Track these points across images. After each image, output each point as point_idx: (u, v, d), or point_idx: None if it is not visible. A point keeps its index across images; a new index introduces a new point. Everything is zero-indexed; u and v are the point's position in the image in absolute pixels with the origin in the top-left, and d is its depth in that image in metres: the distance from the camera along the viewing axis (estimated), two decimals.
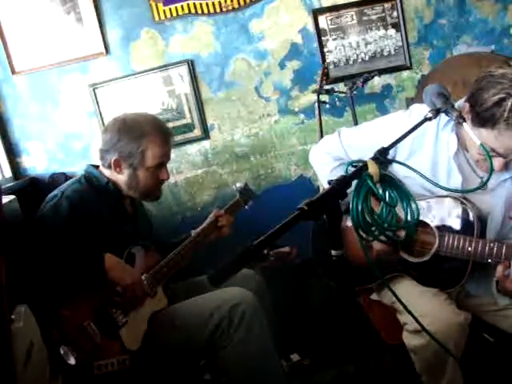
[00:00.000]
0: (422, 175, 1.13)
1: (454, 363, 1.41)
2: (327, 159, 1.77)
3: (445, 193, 1.45)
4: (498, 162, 1.33)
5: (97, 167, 1.82)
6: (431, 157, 1.52)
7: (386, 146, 1.10)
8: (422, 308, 1.44)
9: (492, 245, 1.39)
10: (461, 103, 1.41)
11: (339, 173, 1.07)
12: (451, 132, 1.49)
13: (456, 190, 1.47)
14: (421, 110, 1.54)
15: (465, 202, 1.47)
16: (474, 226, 1.44)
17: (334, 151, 1.75)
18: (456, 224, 1.49)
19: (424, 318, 1.40)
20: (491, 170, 1.17)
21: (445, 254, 1.47)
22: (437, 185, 1.20)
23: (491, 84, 1.27)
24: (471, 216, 1.46)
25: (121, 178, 1.77)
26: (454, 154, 1.48)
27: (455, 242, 1.45)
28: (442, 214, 1.51)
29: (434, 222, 1.52)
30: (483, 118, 1.28)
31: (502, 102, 1.24)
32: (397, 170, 1.58)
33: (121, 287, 1.60)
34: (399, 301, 1.11)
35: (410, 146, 1.53)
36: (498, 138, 1.28)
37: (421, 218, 1.41)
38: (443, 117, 1.39)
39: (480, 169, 1.47)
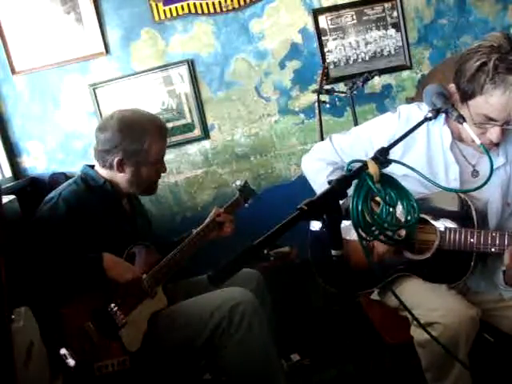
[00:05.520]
0: (422, 175, 1.12)
1: (464, 358, 1.40)
2: (321, 165, 1.75)
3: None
4: (497, 132, 1.36)
5: (92, 167, 1.82)
6: (425, 152, 1.55)
7: (386, 146, 1.10)
8: (433, 302, 1.46)
9: (494, 234, 1.40)
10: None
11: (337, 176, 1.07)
12: (443, 125, 1.53)
13: (456, 190, 1.49)
14: (409, 110, 1.59)
15: (462, 195, 1.48)
16: (474, 217, 1.46)
17: (328, 157, 1.75)
18: (456, 217, 1.49)
19: (435, 311, 1.41)
20: (491, 170, 1.17)
21: (448, 248, 1.48)
22: (438, 185, 1.20)
23: (470, 56, 1.34)
24: (470, 208, 1.47)
25: (122, 176, 1.76)
26: (449, 145, 1.52)
27: (457, 236, 1.45)
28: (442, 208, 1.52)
29: (433, 218, 1.53)
30: (470, 87, 1.34)
31: (483, 66, 1.30)
32: (393, 169, 1.59)
33: (121, 286, 1.60)
34: (400, 301, 1.11)
35: (403, 145, 1.53)
36: (489, 100, 1.31)
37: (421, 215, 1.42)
38: None
39: (478, 149, 1.48)
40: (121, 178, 1.76)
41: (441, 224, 1.50)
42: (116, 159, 1.72)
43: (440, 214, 1.51)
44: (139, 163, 1.74)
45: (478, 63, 1.31)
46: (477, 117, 1.35)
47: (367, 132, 1.66)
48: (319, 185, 1.74)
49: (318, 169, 1.76)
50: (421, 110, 1.57)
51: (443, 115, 1.49)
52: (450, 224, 1.49)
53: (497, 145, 1.42)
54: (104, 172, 1.78)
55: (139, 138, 1.71)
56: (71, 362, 1.45)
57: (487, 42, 1.32)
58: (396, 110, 1.63)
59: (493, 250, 1.40)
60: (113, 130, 1.71)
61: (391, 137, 1.52)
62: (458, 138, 1.53)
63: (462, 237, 1.44)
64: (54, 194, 1.71)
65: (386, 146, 1.07)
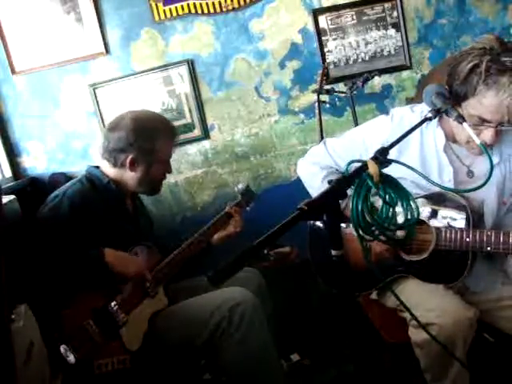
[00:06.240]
0: (422, 175, 1.13)
1: (462, 358, 1.41)
2: (316, 169, 1.76)
3: (438, 189, 1.46)
4: (491, 133, 1.36)
5: (97, 168, 1.82)
6: (419, 154, 1.55)
7: (386, 146, 1.11)
8: (429, 303, 1.46)
9: (489, 233, 1.41)
10: None
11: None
12: (436, 127, 1.53)
13: (455, 190, 1.50)
14: (402, 113, 1.60)
15: (457, 195, 1.49)
16: (469, 217, 1.46)
17: (322, 161, 1.76)
18: (451, 217, 1.50)
19: (431, 312, 1.42)
20: (491, 169, 1.17)
21: (444, 249, 1.48)
22: (437, 185, 1.20)
23: (462, 58, 1.35)
24: (466, 207, 1.47)
25: (132, 175, 1.78)
26: (443, 147, 1.52)
27: (452, 235, 1.46)
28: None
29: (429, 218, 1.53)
30: (463, 90, 1.35)
31: (475, 67, 1.31)
32: (389, 172, 1.59)
33: (125, 284, 1.61)
34: (400, 301, 1.12)
35: (397, 147, 1.54)
36: (483, 101, 1.32)
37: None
38: (425, 113, 1.45)
39: (471, 151, 1.49)
40: (130, 176, 1.78)
41: (450, 213, 1.50)
42: (129, 158, 1.74)
43: (451, 206, 1.51)
44: (151, 162, 1.77)
45: (470, 65, 1.32)
46: (470, 118, 1.35)
47: (360, 135, 1.67)
48: (315, 188, 1.75)
49: (313, 172, 1.77)
50: (413, 112, 1.58)
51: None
52: (462, 215, 1.49)
53: (490, 145, 1.43)
54: (111, 171, 1.79)
55: (152, 138, 1.75)
56: (71, 359, 1.45)
57: (479, 44, 1.33)
58: (389, 113, 1.64)
59: (488, 248, 1.41)
60: (127, 129, 1.74)
61: (384, 140, 1.53)
62: (451, 139, 1.53)
63: (458, 236, 1.45)
64: (59, 192, 1.72)
65: (386, 146, 1.08)
